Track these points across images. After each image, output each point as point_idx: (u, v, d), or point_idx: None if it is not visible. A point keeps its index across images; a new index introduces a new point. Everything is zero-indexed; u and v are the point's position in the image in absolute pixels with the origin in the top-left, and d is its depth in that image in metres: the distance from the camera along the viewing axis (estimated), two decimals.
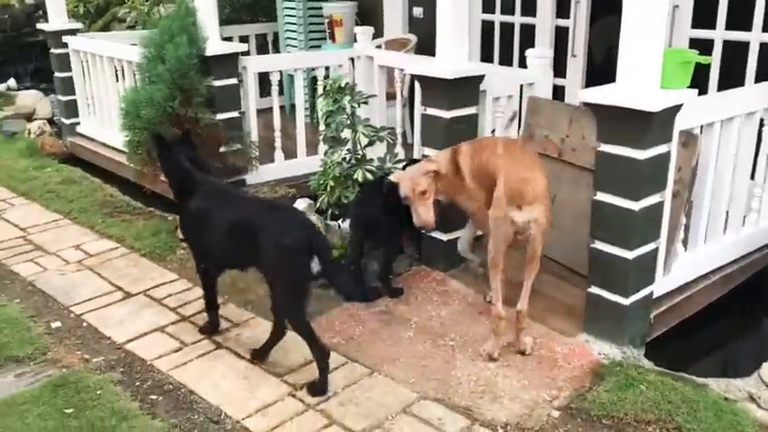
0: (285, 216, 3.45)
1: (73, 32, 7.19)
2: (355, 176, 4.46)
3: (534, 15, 6.23)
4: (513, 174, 3.44)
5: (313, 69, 6.25)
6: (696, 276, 4.07)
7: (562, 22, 6.06)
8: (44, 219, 5.71)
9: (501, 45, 6.61)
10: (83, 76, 7.13)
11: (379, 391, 3.41)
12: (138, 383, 3.52)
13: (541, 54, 4.85)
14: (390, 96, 6.15)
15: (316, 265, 3.29)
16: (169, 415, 3.29)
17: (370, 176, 4.46)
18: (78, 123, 7.36)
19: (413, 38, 7.02)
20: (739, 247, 4.29)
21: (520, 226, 3.43)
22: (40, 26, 7.65)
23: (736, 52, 4.98)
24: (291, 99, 7.56)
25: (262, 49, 8.26)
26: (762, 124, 4.17)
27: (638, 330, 3.68)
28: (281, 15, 8.13)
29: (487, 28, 6.69)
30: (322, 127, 4.90)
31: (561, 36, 6.09)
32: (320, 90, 5.74)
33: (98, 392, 3.42)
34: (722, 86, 4.86)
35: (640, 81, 3.24)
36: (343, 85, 4.54)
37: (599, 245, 3.58)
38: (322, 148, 5.63)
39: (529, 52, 4.89)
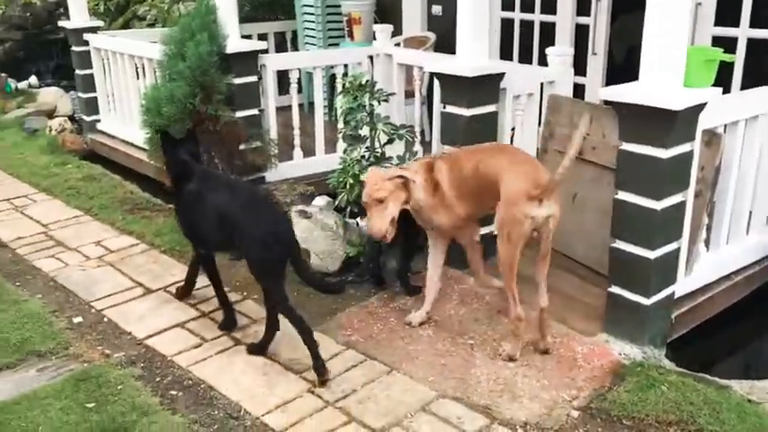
0: (261, 210, 3.58)
1: (94, 30, 7.25)
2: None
3: (554, 13, 6.20)
4: (525, 171, 3.41)
5: (332, 67, 6.26)
6: (718, 277, 4.03)
7: (582, 20, 6.02)
8: (65, 215, 5.76)
9: (520, 43, 6.58)
10: (103, 73, 7.19)
11: (398, 389, 3.41)
12: (158, 379, 3.55)
13: (562, 52, 4.82)
14: (409, 94, 6.14)
15: None
16: (189, 410, 3.31)
17: None
18: (99, 120, 7.43)
19: (431, 36, 7.01)
20: (762, 247, 4.24)
21: (540, 222, 3.40)
22: (61, 24, 7.72)
23: (760, 50, 4.93)
24: (310, 97, 7.58)
25: (280, 47, 8.28)
26: None
27: (660, 331, 3.65)
28: (299, 13, 8.15)
29: (507, 26, 6.67)
30: (341, 125, 4.91)
31: (581, 34, 6.05)
32: (339, 88, 5.75)
33: (119, 387, 3.45)
34: (746, 85, 4.81)
35: (664, 79, 3.22)
36: (363, 82, 4.53)
37: (620, 244, 3.56)
38: (340, 145, 5.65)
39: (549, 50, 4.87)
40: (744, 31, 4.96)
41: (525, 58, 6.42)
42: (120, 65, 6.74)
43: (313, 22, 7.90)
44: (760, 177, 4.09)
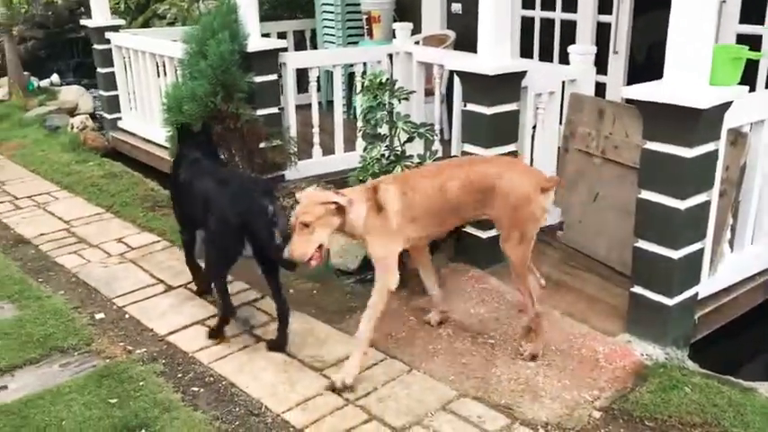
0: (232, 191, 3.74)
1: (115, 29, 7.30)
2: (394, 172, 4.45)
3: (575, 11, 6.16)
4: (525, 169, 3.45)
5: (351, 66, 6.26)
6: (742, 278, 3.98)
7: (604, 18, 5.98)
8: (87, 212, 5.81)
9: (541, 41, 6.54)
10: (125, 71, 7.23)
11: (418, 388, 3.41)
12: (179, 375, 3.57)
13: (584, 50, 4.79)
14: (428, 93, 6.12)
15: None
16: (210, 407, 3.33)
17: None
18: (120, 118, 7.48)
19: (451, 34, 6.98)
20: None
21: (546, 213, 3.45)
22: (83, 22, 7.79)
23: None
24: (328, 95, 7.60)
25: (299, 45, 8.29)
26: None
27: (683, 331, 3.62)
28: (318, 12, 8.16)
29: (527, 24, 6.63)
30: (360, 123, 4.90)
31: (602, 32, 6.01)
32: (358, 86, 5.75)
33: (141, 383, 3.48)
34: None
35: (689, 77, 3.18)
36: (383, 81, 4.53)
37: (643, 244, 3.53)
38: (359, 144, 5.66)
39: (571, 48, 4.83)
40: None
41: (545, 56, 6.38)
42: (141, 63, 6.79)
43: (332, 20, 7.90)
44: None
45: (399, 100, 4.59)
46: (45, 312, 4.14)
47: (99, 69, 7.45)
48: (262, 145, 5.25)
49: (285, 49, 5.62)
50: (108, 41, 7.22)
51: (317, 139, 5.86)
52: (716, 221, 3.61)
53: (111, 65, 7.29)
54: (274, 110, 5.50)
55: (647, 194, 3.45)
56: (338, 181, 5.43)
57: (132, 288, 4.47)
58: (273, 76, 5.44)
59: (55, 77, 10.61)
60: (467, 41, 6.14)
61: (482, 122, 4.20)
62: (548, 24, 6.47)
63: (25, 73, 9.83)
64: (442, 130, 6.05)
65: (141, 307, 4.25)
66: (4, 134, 8.16)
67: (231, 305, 3.90)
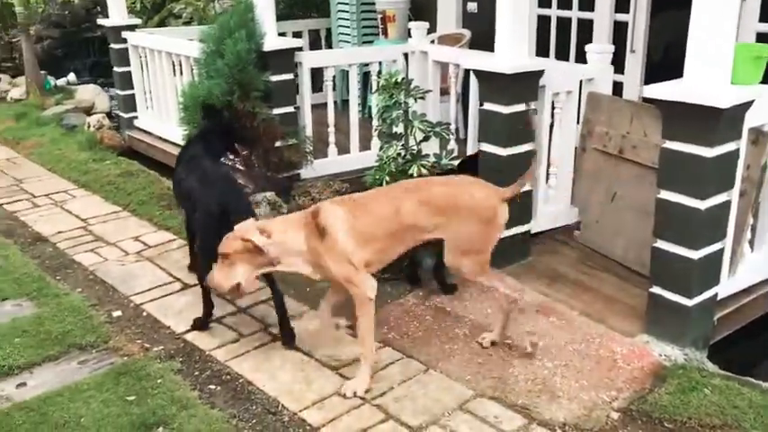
0: (215, 185, 3.84)
1: (132, 28, 7.35)
2: (410, 172, 4.44)
3: (592, 10, 6.12)
4: (480, 182, 3.46)
5: (366, 65, 6.26)
6: (762, 278, 3.94)
7: (621, 17, 5.94)
8: (104, 210, 5.85)
9: (557, 40, 6.51)
10: (141, 70, 7.27)
11: (435, 388, 3.40)
12: (196, 373, 3.58)
13: (602, 49, 4.76)
14: (443, 92, 6.11)
15: None
16: (227, 405, 3.33)
17: (425, 172, 4.44)
18: (136, 117, 7.52)
19: (467, 33, 6.97)
20: None
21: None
22: (100, 21, 7.84)
23: None
24: (342, 94, 7.60)
25: (314, 44, 8.31)
26: None
27: (702, 332, 3.59)
28: (334, 11, 8.17)
29: (543, 23, 6.60)
30: (375, 122, 4.90)
31: (619, 31, 5.97)
32: (374, 85, 5.75)
33: (158, 381, 3.49)
34: None
35: (709, 76, 3.15)
36: (399, 80, 4.52)
37: (662, 244, 3.50)
38: (375, 143, 5.66)
39: (589, 47, 4.81)
40: None
41: (561, 55, 6.35)
42: (157, 62, 6.82)
43: (347, 19, 7.91)
44: None
45: (415, 99, 4.59)
46: (63, 310, 4.17)
47: (115, 68, 7.50)
48: (278, 144, 5.27)
49: (300, 49, 5.64)
50: (124, 41, 7.27)
51: (332, 139, 5.87)
52: (736, 221, 3.58)
53: (128, 64, 7.33)
54: (290, 109, 5.51)
55: (666, 194, 3.43)
56: (354, 180, 5.45)
57: (149, 286, 4.49)
58: (289, 76, 5.45)
59: (71, 76, 10.68)
60: (483, 41, 6.11)
61: (499, 122, 4.19)
62: (564, 23, 6.43)
63: (42, 72, 9.90)
64: (457, 130, 6.04)
65: (158, 305, 4.27)
66: (21, 133, 8.22)
67: (210, 302, 3.96)
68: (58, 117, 8.52)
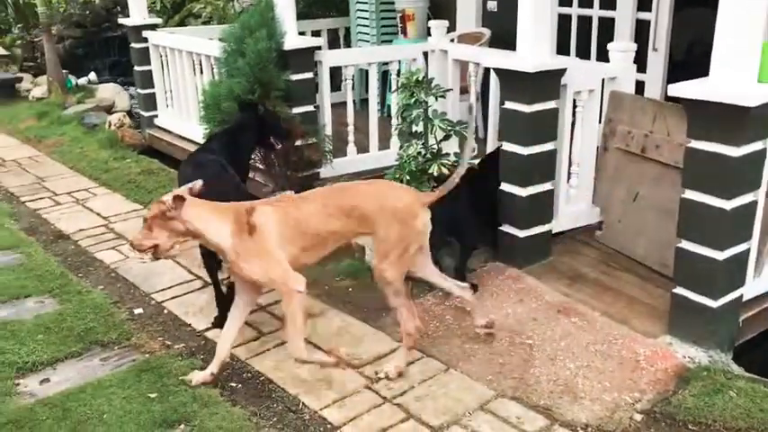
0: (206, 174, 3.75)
1: (152, 27, 7.39)
2: (431, 171, 4.43)
3: (614, 8, 6.07)
4: (402, 188, 3.53)
5: (385, 64, 6.25)
6: None
7: (643, 15, 5.89)
8: (125, 208, 5.89)
9: (578, 39, 6.46)
10: (161, 69, 7.31)
11: (456, 387, 3.39)
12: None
13: (625, 48, 4.71)
14: (462, 91, 6.09)
15: None
16: (248, 402, 3.35)
17: (445, 171, 4.42)
18: (157, 116, 7.56)
19: (486, 32, 6.94)
20: None
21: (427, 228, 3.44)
22: (121, 21, 7.89)
23: None
24: (361, 94, 7.59)
25: (333, 44, 8.31)
26: None
27: (727, 334, 3.54)
28: (353, 10, 8.16)
29: (563, 22, 6.55)
30: (395, 121, 4.88)
31: (640, 29, 5.92)
32: (394, 84, 5.74)
33: (180, 378, 3.50)
34: None
35: (736, 74, 3.11)
36: (420, 78, 4.51)
37: (686, 244, 3.46)
38: (394, 142, 5.64)
39: (611, 46, 4.76)
40: None
41: (582, 54, 6.30)
42: (178, 61, 6.85)
43: (367, 18, 7.91)
44: None
45: (436, 98, 4.58)
46: (85, 307, 4.20)
47: (136, 67, 7.54)
48: (298, 143, 5.27)
49: (319, 48, 5.64)
50: (145, 40, 7.31)
51: (351, 138, 5.86)
52: (762, 222, 3.53)
53: (148, 63, 7.37)
54: (310, 108, 5.51)
55: (691, 194, 3.39)
56: (376, 179, 5.44)
57: (170, 284, 4.52)
58: (309, 75, 5.45)
59: (92, 75, 10.76)
60: (502, 39, 6.08)
61: (521, 121, 4.17)
62: (584, 22, 6.38)
63: (64, 71, 9.99)
64: (477, 129, 6.01)
65: (179, 302, 4.29)
66: (43, 131, 8.31)
67: (223, 299, 3.92)
68: (79, 116, 8.59)
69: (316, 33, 7.69)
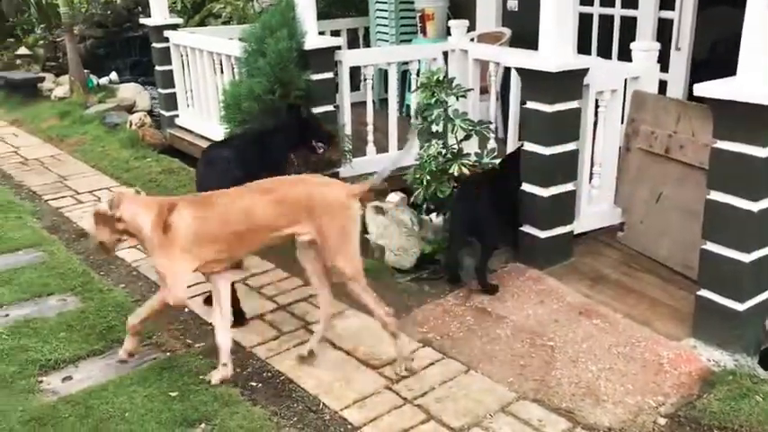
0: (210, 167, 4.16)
1: (173, 27, 7.42)
2: (451, 171, 4.42)
3: (635, 7, 6.01)
4: (333, 181, 3.56)
5: (405, 63, 6.24)
6: None
7: (665, 14, 5.82)
8: None
9: (598, 38, 6.40)
10: (182, 69, 7.34)
11: (476, 389, 3.37)
12: (238, 370, 3.59)
13: (648, 47, 4.66)
14: (482, 90, 6.06)
15: None
16: (269, 402, 3.35)
17: (465, 171, 4.41)
18: (177, 116, 7.60)
19: (507, 31, 6.90)
20: None
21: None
22: (142, 21, 7.93)
23: None
24: (380, 93, 7.58)
25: (352, 43, 8.30)
26: None
27: (753, 338, 3.49)
28: (372, 10, 8.15)
29: (583, 21, 6.49)
30: (414, 120, 4.87)
31: (662, 28, 5.85)
32: (413, 84, 5.72)
33: (201, 377, 3.51)
34: None
35: (763, 74, 3.06)
36: (441, 78, 4.50)
37: (711, 246, 3.42)
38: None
39: (634, 45, 4.71)
40: None
41: (603, 54, 6.24)
42: (198, 61, 6.88)
43: (386, 18, 7.89)
44: None
45: (457, 98, 4.56)
46: (107, 305, 4.23)
47: (157, 67, 7.58)
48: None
49: (339, 47, 5.63)
50: (166, 40, 7.34)
51: (371, 137, 5.85)
52: None
53: (169, 63, 7.40)
54: (330, 108, 5.51)
55: (716, 195, 3.34)
56: (395, 178, 5.42)
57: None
58: (330, 74, 5.45)
59: (114, 75, 10.84)
60: (523, 39, 6.05)
61: (543, 120, 4.14)
62: (605, 21, 6.33)
63: (85, 71, 10.07)
64: (496, 128, 5.98)
65: (200, 301, 4.29)
66: (65, 131, 8.38)
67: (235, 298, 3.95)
68: (101, 115, 8.65)
69: (335, 33, 7.68)
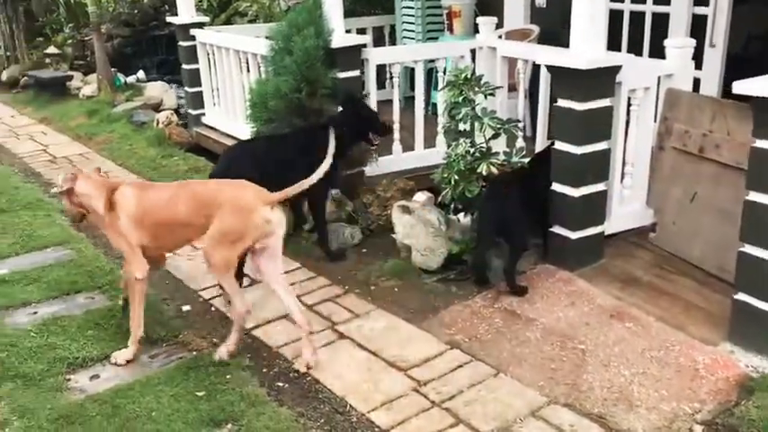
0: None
1: (200, 26, 7.44)
2: (479, 170, 4.35)
3: (668, 3, 5.88)
4: (249, 186, 3.57)
5: (431, 61, 6.18)
6: None
7: (699, 10, 5.69)
8: None
9: (629, 35, 6.29)
10: (209, 68, 7.35)
11: (506, 393, 3.31)
12: (264, 370, 3.58)
13: (683, 44, 4.55)
14: (510, 88, 5.98)
15: None
16: (295, 403, 3.32)
17: (494, 170, 4.34)
18: (204, 114, 7.61)
19: (535, 28, 6.80)
20: None
21: (273, 227, 3.52)
22: (169, 19, 7.96)
23: None
24: (406, 91, 7.52)
25: (378, 41, 8.25)
26: None
27: None
28: (398, 8, 8.10)
29: (613, 17, 6.37)
30: (441, 119, 4.81)
31: (695, 25, 5.72)
32: (440, 82, 5.66)
33: (227, 377, 3.50)
34: None
35: None
36: (469, 76, 4.43)
37: (749, 249, 3.32)
38: (440, 140, 5.57)
39: (669, 42, 4.60)
40: None
41: (633, 51, 6.11)
42: (225, 60, 6.88)
43: (412, 16, 7.84)
44: None
45: (485, 96, 4.49)
46: None
47: (184, 66, 7.60)
48: None
49: (365, 45, 5.59)
50: (193, 38, 7.36)
51: (396, 135, 5.79)
52: None
53: (196, 61, 7.42)
54: None
55: (755, 196, 3.25)
56: (421, 177, 5.38)
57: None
58: (356, 72, 5.41)
59: (141, 74, 10.93)
60: (551, 36, 5.96)
61: (574, 119, 4.06)
62: (636, 17, 6.21)
63: (112, 69, 10.16)
64: (524, 127, 5.90)
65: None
66: (93, 129, 8.45)
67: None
68: (128, 113, 8.72)
69: (361, 31, 7.64)
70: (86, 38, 11.57)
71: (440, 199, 4.61)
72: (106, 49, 10.21)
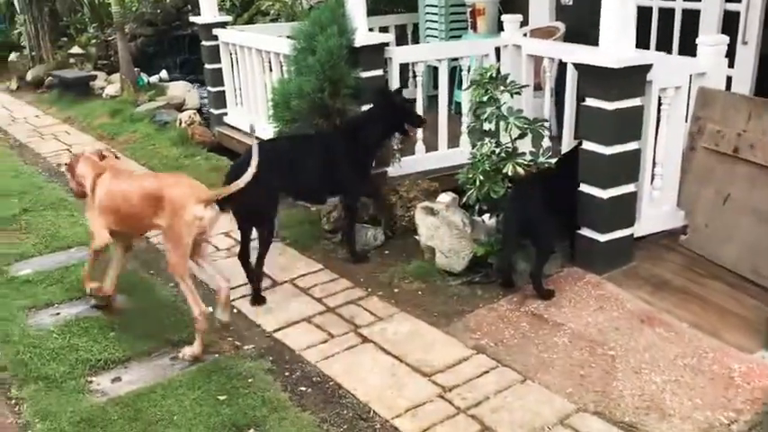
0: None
1: (223, 25, 7.41)
2: (505, 170, 4.26)
3: (699, 0, 5.74)
4: (188, 183, 3.71)
5: (455, 60, 6.09)
6: None
7: (731, 7, 5.55)
8: None
9: (657, 32, 6.15)
10: (231, 67, 7.33)
11: (533, 400, 3.23)
12: (287, 373, 3.54)
13: (716, 41, 4.42)
14: (535, 87, 5.88)
15: None
16: (318, 408, 3.27)
17: (520, 171, 4.25)
18: (226, 114, 7.59)
19: (561, 26, 6.69)
20: None
21: (206, 223, 3.67)
22: (192, 19, 7.94)
23: None
24: (428, 90, 7.44)
25: (400, 40, 8.17)
26: None
27: None
28: (421, 6, 8.02)
29: (641, 14, 6.23)
30: (466, 119, 4.71)
31: (727, 22, 5.57)
32: (465, 81, 5.57)
33: (249, 380, 3.46)
34: None
35: None
36: (494, 74, 4.35)
37: None
38: (464, 140, 5.49)
39: (701, 39, 4.48)
40: None
41: (662, 49, 5.98)
42: (247, 59, 6.85)
43: (435, 14, 7.76)
44: None
45: (511, 95, 4.40)
46: (156, 306, 4.23)
47: (206, 65, 7.58)
48: None
49: (388, 44, 5.52)
50: (215, 38, 7.34)
51: (420, 135, 5.72)
52: None
53: (218, 61, 7.40)
54: None
55: None
56: (445, 178, 5.30)
57: (239, 282, 4.46)
58: (379, 71, 5.34)
59: (164, 74, 10.95)
60: (577, 34, 5.85)
61: (603, 118, 3.96)
62: (665, 14, 6.07)
63: (135, 69, 10.19)
64: (550, 126, 5.79)
65: (249, 302, 4.24)
66: (116, 128, 8.48)
67: (250, 274, 4.30)
68: (151, 113, 8.73)
69: (383, 30, 7.56)
70: (110, 38, 11.62)
71: (464, 200, 4.53)
72: (129, 49, 10.24)
